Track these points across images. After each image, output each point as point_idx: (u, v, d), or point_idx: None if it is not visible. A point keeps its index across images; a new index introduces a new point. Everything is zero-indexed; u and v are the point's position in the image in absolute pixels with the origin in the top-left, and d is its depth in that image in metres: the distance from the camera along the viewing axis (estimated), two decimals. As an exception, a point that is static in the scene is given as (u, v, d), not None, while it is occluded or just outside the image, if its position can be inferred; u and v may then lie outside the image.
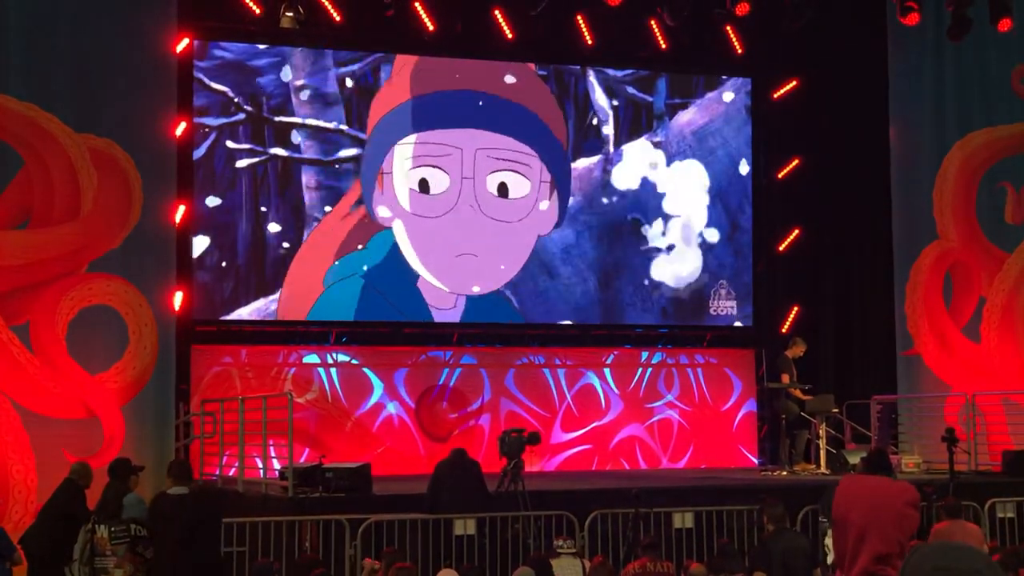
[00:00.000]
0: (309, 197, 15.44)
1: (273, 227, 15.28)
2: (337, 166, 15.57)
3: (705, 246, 17.07)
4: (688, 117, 17.11)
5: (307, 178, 15.46)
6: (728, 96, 17.26)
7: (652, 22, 16.09)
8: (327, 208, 15.49)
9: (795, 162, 17.20)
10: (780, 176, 17.25)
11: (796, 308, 17.11)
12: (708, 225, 17.10)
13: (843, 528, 6.40)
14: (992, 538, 11.32)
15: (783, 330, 16.69)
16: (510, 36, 15.75)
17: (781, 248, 17.24)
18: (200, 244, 14.91)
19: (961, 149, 16.47)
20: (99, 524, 10.03)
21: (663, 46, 16.33)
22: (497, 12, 15.63)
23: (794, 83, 17.12)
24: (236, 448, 12.60)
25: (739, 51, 16.66)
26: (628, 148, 16.85)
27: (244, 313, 15.12)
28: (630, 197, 16.81)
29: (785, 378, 14.87)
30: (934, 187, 16.41)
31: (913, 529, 4.86)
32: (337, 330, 15.63)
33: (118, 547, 9.87)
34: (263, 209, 15.26)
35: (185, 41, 14.50)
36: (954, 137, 16.50)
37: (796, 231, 17.22)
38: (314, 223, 15.44)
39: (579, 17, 15.93)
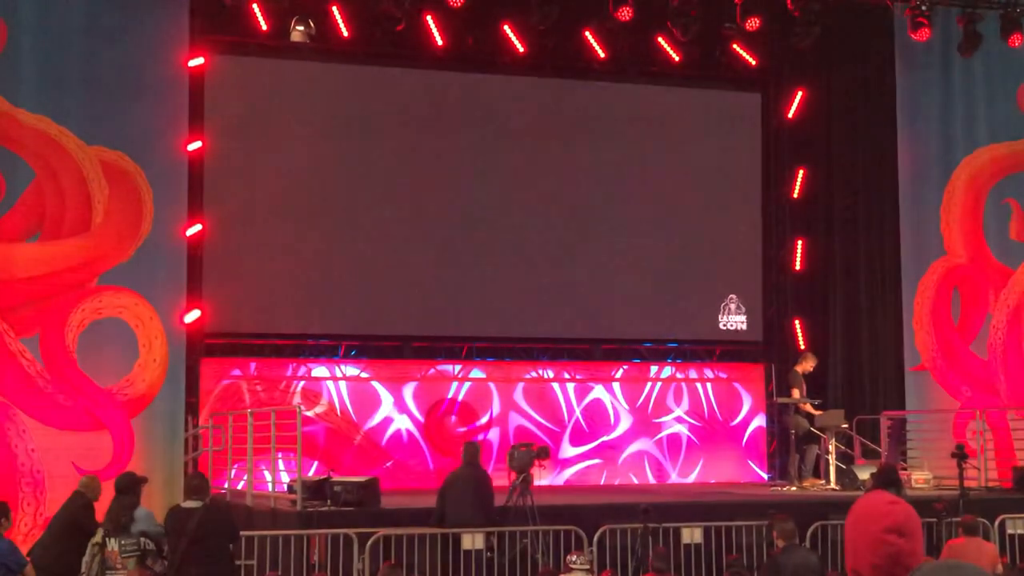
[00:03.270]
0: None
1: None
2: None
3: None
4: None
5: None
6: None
7: (660, 38, 16.11)
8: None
9: (801, 172, 17.18)
10: (792, 192, 17.25)
11: (797, 321, 17.06)
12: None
13: (845, 541, 6.44)
14: (1002, 554, 11.28)
15: (800, 346, 16.62)
16: (522, 50, 15.78)
17: (796, 266, 17.20)
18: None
19: (968, 165, 16.49)
20: (110, 538, 10.03)
21: (676, 59, 16.32)
22: (506, 26, 15.67)
23: (800, 94, 17.12)
24: (245, 461, 12.58)
25: (752, 65, 16.66)
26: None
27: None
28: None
29: (795, 393, 14.84)
30: (941, 203, 16.42)
31: (891, 555, 4.73)
32: (346, 343, 15.64)
33: (128, 560, 9.88)
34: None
35: (200, 59, 14.56)
36: (961, 153, 16.53)
37: (805, 245, 17.21)
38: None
39: (588, 32, 15.95)
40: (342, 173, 15.70)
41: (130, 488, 10.85)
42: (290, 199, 15.44)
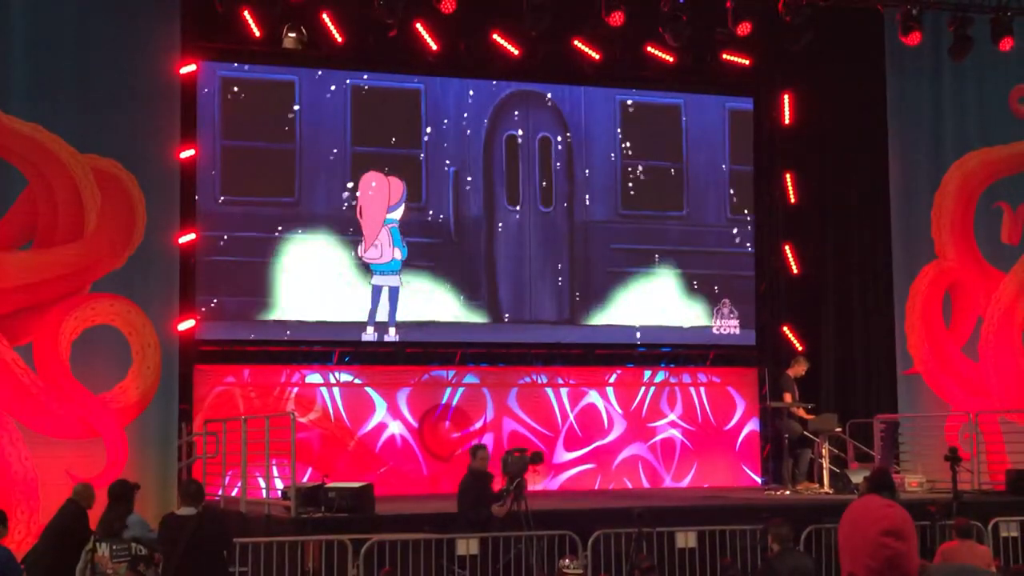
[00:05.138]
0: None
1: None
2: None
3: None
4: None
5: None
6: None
7: (649, 47, 16.13)
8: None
9: (793, 176, 17.22)
10: (785, 196, 17.28)
11: (786, 327, 17.08)
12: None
13: (840, 545, 6.44)
14: (995, 557, 11.31)
15: (796, 350, 16.62)
16: (516, 53, 15.80)
17: (789, 271, 17.22)
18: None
19: (959, 169, 16.55)
20: (100, 543, 10.03)
21: (668, 63, 16.36)
22: (496, 35, 15.70)
23: (791, 98, 17.16)
24: (239, 468, 12.60)
25: (744, 69, 16.70)
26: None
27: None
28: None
29: (787, 397, 14.89)
30: (932, 206, 16.47)
31: (889, 558, 4.73)
32: (340, 350, 15.65)
33: (119, 566, 9.88)
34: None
35: (192, 66, 14.57)
36: (952, 157, 16.59)
37: (797, 249, 17.25)
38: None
39: (580, 37, 15.97)
40: (337, 176, 15.72)
41: (123, 495, 10.84)
42: (284, 204, 15.45)
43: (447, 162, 16.21)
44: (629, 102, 16.97)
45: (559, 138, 16.71)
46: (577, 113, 16.80)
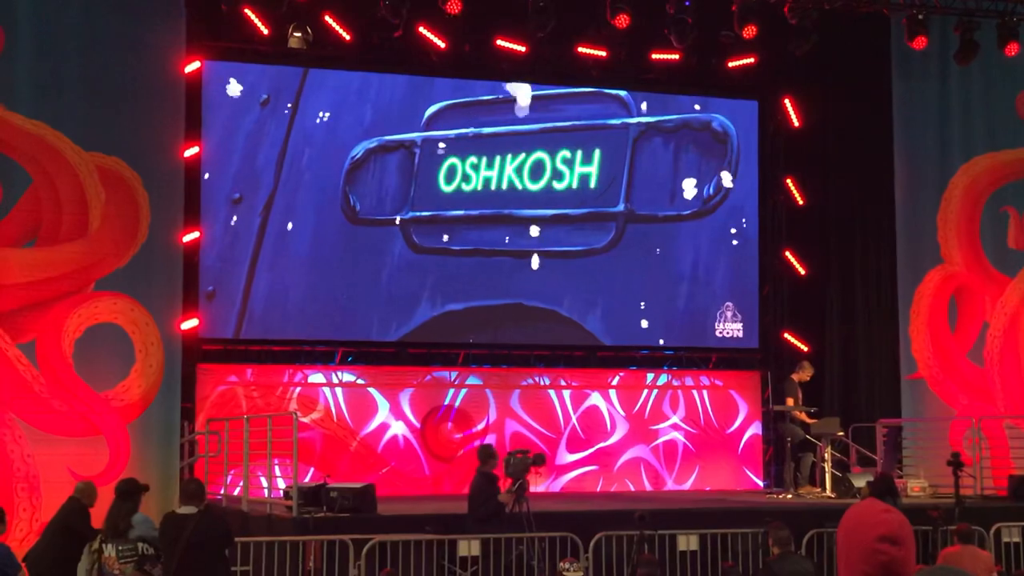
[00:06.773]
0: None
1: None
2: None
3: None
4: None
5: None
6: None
7: (654, 50, 16.14)
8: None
9: (798, 180, 17.21)
10: (790, 200, 17.26)
11: (786, 333, 17.07)
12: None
13: (837, 549, 6.45)
14: (997, 563, 11.28)
15: (796, 354, 16.60)
16: (524, 50, 15.79)
17: (793, 274, 17.21)
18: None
19: (965, 173, 16.51)
20: (107, 543, 10.02)
21: (673, 65, 16.35)
22: (499, 40, 15.69)
23: (792, 102, 17.15)
24: (241, 467, 12.59)
25: (749, 72, 16.69)
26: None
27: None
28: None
29: (790, 401, 14.88)
30: (938, 211, 16.45)
31: (884, 564, 4.70)
32: (343, 349, 15.65)
33: (126, 566, 9.87)
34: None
35: (196, 64, 14.58)
36: (959, 162, 16.55)
37: (802, 253, 17.23)
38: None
39: (584, 38, 15.97)
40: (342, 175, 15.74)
41: (131, 493, 10.83)
42: (286, 205, 15.47)
43: (451, 163, 16.20)
44: (632, 103, 16.96)
45: (562, 139, 16.68)
46: (582, 115, 16.78)
